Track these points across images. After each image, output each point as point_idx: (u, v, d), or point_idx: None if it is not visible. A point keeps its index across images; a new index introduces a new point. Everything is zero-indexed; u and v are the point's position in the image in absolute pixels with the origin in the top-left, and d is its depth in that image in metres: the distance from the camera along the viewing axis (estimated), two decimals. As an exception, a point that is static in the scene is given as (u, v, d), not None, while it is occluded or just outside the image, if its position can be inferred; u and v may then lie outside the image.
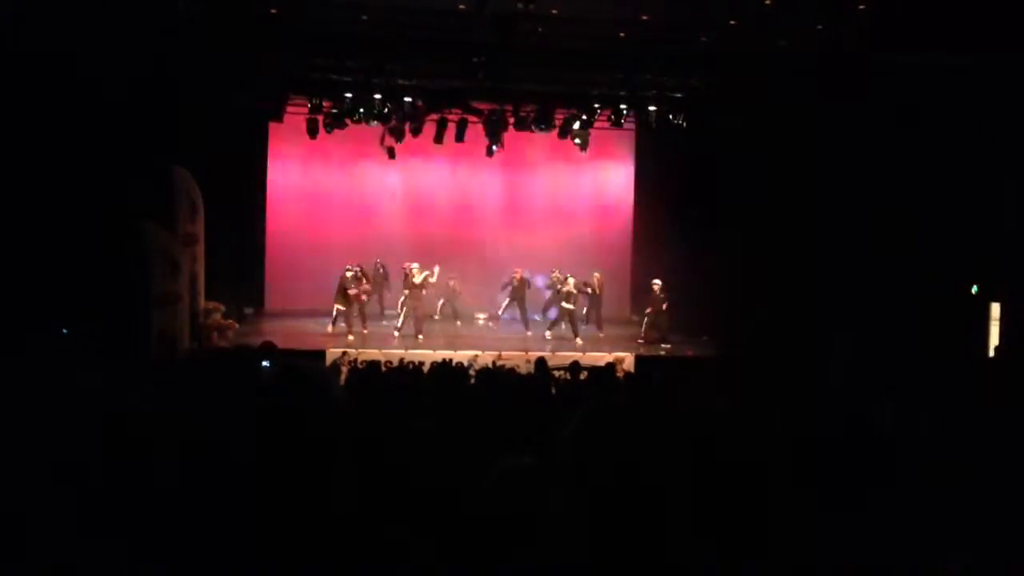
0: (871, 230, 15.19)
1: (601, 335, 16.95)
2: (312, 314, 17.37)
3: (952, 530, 2.83)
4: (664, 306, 16.41)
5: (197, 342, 14.35)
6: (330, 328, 16.02)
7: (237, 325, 16.25)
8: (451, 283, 17.87)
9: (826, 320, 14.57)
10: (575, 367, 10.40)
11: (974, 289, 15.36)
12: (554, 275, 17.48)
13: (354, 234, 18.95)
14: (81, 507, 2.26)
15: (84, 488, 2.35)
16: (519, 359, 13.83)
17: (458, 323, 17.76)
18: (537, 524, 2.01)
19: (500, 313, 17.95)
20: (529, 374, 9.92)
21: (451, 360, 12.23)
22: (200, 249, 15.29)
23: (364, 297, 16.24)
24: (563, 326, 16.69)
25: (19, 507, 2.24)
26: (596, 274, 17.59)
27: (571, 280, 16.74)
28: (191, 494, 2.04)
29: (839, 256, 15.31)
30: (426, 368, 10.69)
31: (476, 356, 14.22)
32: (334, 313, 15.98)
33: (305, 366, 2.14)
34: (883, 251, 15.01)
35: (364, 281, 16.38)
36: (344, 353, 13.98)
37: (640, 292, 19.78)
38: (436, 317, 17.94)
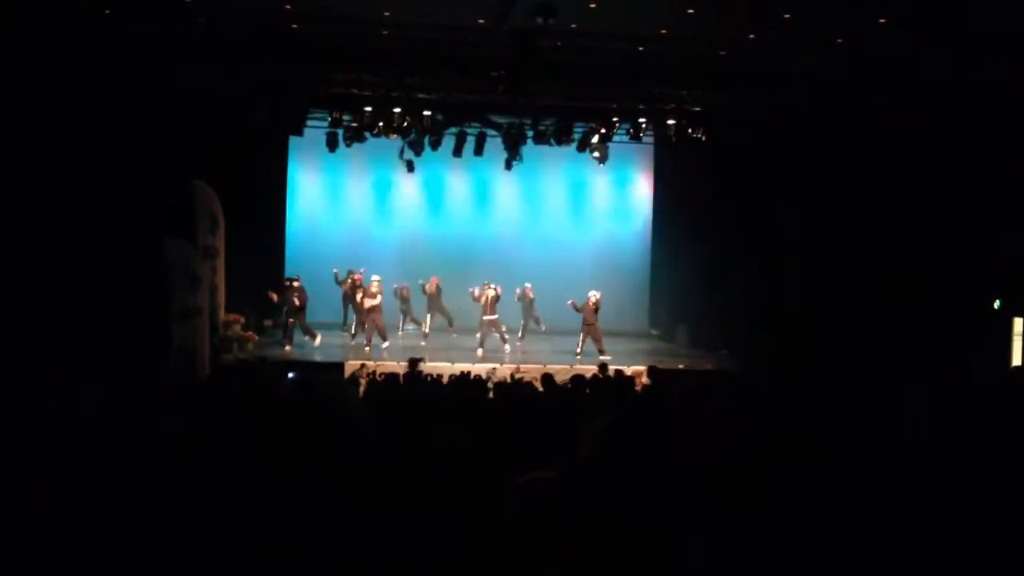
0: (891, 244, 15.09)
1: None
2: (331, 326, 17.52)
3: (983, 554, 2.79)
4: (594, 319, 16.28)
5: (217, 355, 14.41)
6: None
7: (257, 337, 16.36)
8: (401, 291, 18.03)
9: (845, 335, 14.47)
10: (582, 379, 10.34)
11: (996, 304, 15.21)
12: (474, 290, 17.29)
13: (373, 246, 19.04)
14: (100, 514, 2.27)
15: (100, 496, 2.36)
16: (537, 372, 13.80)
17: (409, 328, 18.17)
18: (558, 537, 2.00)
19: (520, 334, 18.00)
20: (549, 387, 9.89)
21: (469, 373, 12.24)
22: (221, 262, 15.38)
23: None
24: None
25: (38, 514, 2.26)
26: (527, 285, 17.69)
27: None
28: (214, 503, 2.05)
29: (859, 270, 15.22)
30: (445, 381, 10.71)
31: (494, 369, 14.23)
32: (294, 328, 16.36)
33: (324, 379, 2.15)
34: (904, 265, 14.90)
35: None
36: (363, 365, 14.08)
37: (660, 306, 19.76)
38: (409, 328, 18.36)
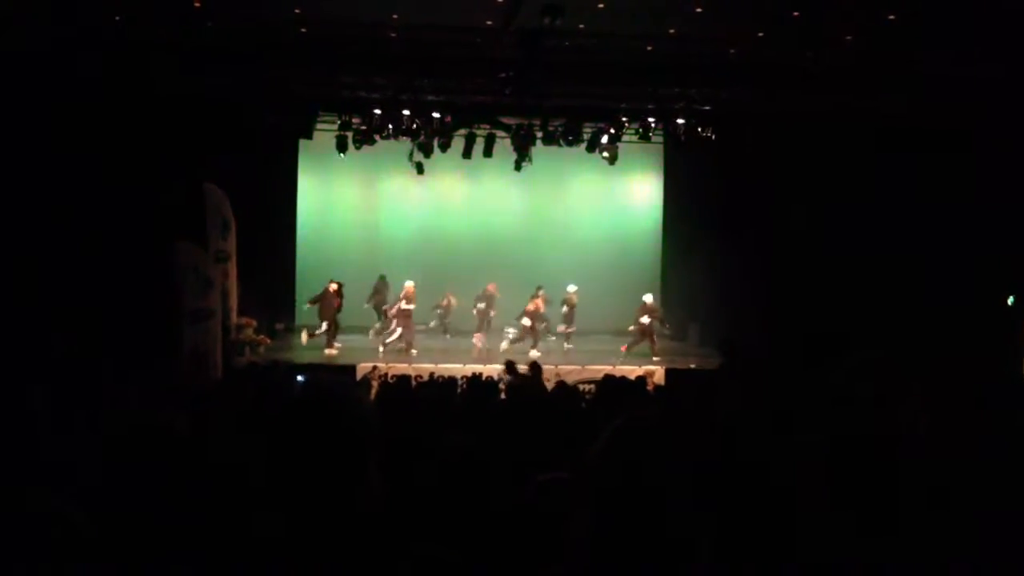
0: (903, 240, 15.02)
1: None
2: (343, 329, 17.53)
3: (984, 554, 2.77)
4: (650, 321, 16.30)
5: (229, 358, 14.46)
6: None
7: (269, 340, 16.41)
8: (451, 299, 17.98)
9: (854, 333, 14.40)
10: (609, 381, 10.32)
11: (1010, 300, 15.12)
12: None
13: (382, 249, 19.06)
14: (98, 519, 2.28)
15: (98, 499, 2.37)
16: (548, 373, 13.78)
17: (447, 337, 17.99)
18: (568, 538, 2.00)
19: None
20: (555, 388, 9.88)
21: (481, 374, 12.25)
22: (232, 265, 15.43)
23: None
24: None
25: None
26: (571, 289, 17.58)
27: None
28: (222, 505, 2.05)
29: (871, 266, 15.16)
30: (456, 382, 10.72)
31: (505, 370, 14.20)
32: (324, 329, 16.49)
33: (334, 381, 2.15)
34: (916, 261, 14.83)
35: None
36: (374, 368, 14.11)
37: (669, 306, 19.72)
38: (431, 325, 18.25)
